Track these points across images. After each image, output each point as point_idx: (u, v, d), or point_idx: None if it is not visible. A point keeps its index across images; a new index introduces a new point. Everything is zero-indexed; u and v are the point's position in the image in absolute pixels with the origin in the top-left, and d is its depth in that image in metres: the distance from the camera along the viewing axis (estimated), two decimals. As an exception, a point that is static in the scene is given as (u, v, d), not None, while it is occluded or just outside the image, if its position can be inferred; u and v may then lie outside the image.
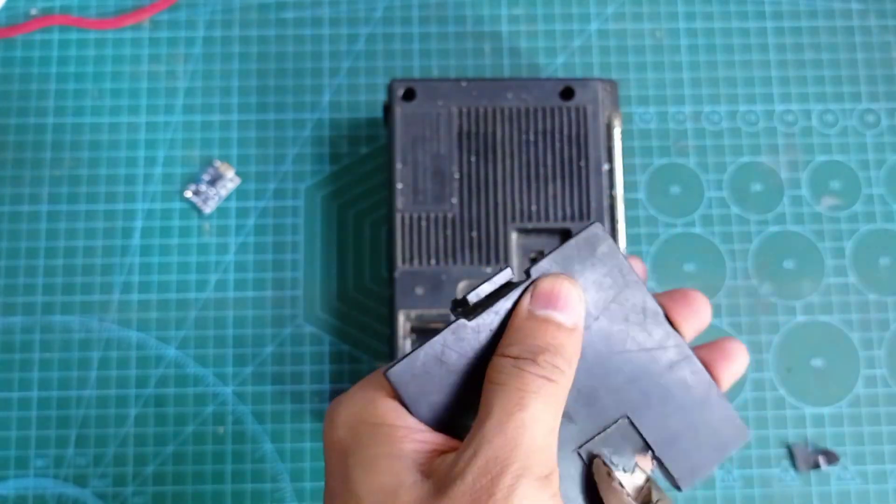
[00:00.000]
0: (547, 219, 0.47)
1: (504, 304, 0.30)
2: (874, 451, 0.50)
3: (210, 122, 0.53)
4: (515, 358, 0.28)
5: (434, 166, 0.47)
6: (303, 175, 0.52)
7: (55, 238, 0.51)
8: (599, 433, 0.30)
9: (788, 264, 0.52)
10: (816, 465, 0.49)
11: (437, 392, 0.29)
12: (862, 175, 0.53)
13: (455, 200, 0.47)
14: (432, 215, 0.47)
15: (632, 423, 0.31)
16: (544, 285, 0.30)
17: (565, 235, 0.47)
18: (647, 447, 0.31)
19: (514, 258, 0.46)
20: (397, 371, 0.29)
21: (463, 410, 0.29)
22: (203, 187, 0.52)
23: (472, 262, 0.46)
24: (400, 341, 0.45)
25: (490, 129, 0.47)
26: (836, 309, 0.51)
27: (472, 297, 0.30)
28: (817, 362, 0.51)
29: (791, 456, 0.49)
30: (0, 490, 0.48)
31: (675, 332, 0.32)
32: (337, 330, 0.51)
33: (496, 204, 0.47)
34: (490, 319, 0.30)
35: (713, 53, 0.54)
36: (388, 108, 0.48)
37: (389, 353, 0.47)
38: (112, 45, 0.54)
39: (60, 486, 0.48)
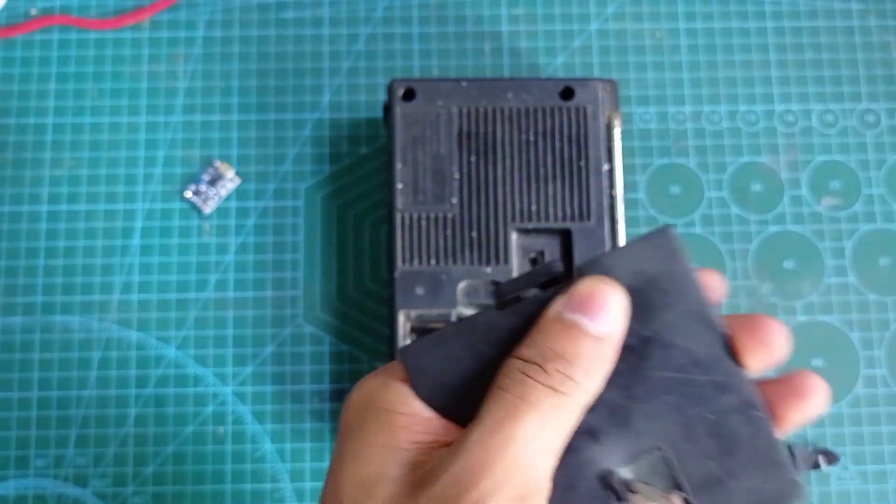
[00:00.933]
0: (547, 219, 0.47)
1: (539, 300, 0.27)
2: (874, 451, 0.50)
3: (210, 122, 0.53)
4: (525, 361, 0.26)
5: (434, 166, 0.47)
6: (303, 175, 0.52)
7: (55, 238, 0.51)
8: (628, 461, 0.27)
9: (788, 264, 0.52)
10: (816, 465, 0.49)
11: (452, 378, 0.27)
12: (862, 175, 0.53)
13: (455, 200, 0.47)
14: (432, 215, 0.47)
15: (667, 458, 0.27)
16: (582, 287, 0.27)
17: (565, 235, 0.47)
18: (679, 488, 0.27)
19: (514, 258, 0.46)
20: (410, 350, 0.27)
21: (478, 403, 0.27)
22: (203, 187, 0.52)
23: (472, 262, 0.46)
24: (400, 341, 0.45)
25: (490, 129, 0.47)
26: (836, 309, 0.51)
27: (509, 286, 0.28)
28: (817, 362, 0.51)
29: (791, 456, 0.49)
30: (0, 490, 0.48)
31: (736, 364, 0.27)
32: (337, 330, 0.51)
33: (496, 204, 0.47)
34: (522, 312, 0.27)
35: (713, 53, 0.54)
36: (388, 108, 0.48)
37: (389, 354, 0.47)
38: (112, 45, 0.54)
39: (60, 486, 0.48)
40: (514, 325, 0.27)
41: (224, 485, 0.49)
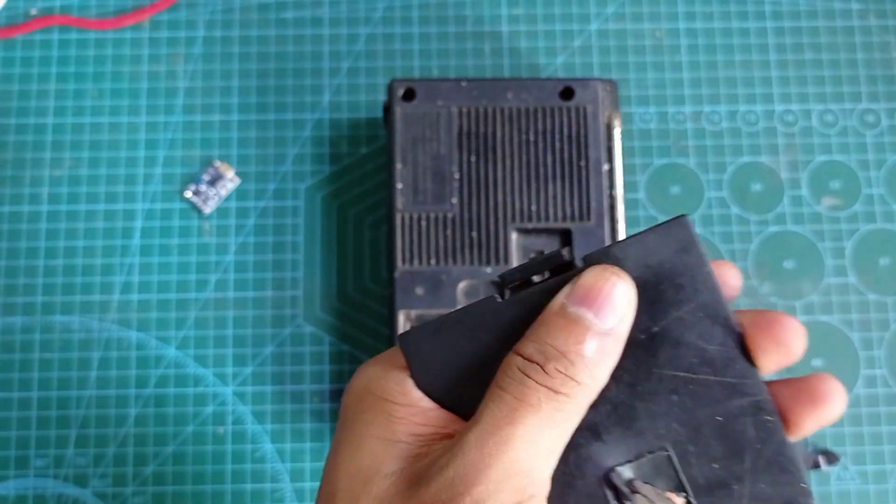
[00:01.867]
0: (547, 219, 0.47)
1: (544, 289, 0.26)
2: (874, 451, 0.50)
3: (210, 122, 0.53)
4: (525, 359, 0.25)
5: (434, 166, 0.47)
6: (303, 175, 0.52)
7: (55, 238, 0.51)
8: (630, 460, 0.26)
9: (788, 264, 0.52)
10: (816, 466, 0.49)
11: (453, 367, 0.26)
12: (862, 175, 0.53)
13: (455, 200, 0.47)
14: (432, 215, 0.47)
15: (671, 458, 0.26)
16: (587, 278, 0.25)
17: (565, 235, 0.47)
18: (683, 489, 0.26)
19: (514, 258, 0.46)
20: (410, 337, 0.26)
21: (479, 393, 0.26)
22: (203, 187, 0.52)
23: (472, 262, 0.46)
24: (400, 341, 0.45)
25: (490, 129, 0.47)
26: (836, 309, 0.51)
27: (514, 273, 0.26)
28: (817, 362, 0.51)
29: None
30: (0, 490, 0.48)
31: (749, 363, 0.26)
32: (337, 330, 0.51)
33: (496, 204, 0.47)
34: (525, 301, 0.26)
35: (713, 53, 0.54)
36: (388, 108, 0.48)
37: (389, 353, 0.47)
38: (112, 45, 0.54)
39: (60, 486, 0.48)
40: (517, 315, 0.26)
41: (224, 485, 0.48)
